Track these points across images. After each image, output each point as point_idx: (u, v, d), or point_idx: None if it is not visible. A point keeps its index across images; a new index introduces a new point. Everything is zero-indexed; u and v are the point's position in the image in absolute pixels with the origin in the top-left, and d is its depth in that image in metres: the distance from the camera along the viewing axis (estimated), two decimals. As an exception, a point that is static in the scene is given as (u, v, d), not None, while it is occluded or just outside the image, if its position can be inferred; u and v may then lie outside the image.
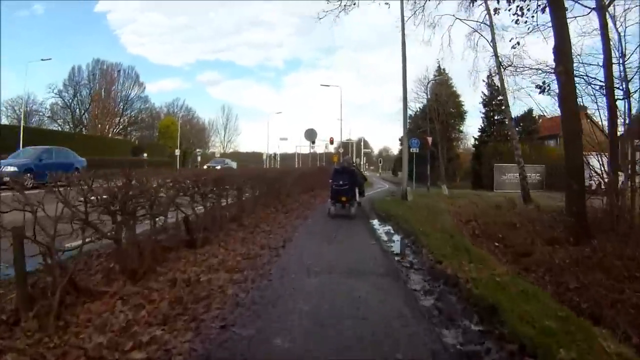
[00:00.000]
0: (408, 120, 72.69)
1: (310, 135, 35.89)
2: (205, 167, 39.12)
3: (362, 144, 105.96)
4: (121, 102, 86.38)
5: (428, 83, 58.79)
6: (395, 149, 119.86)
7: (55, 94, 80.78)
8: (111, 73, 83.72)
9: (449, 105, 61.31)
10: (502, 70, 28.12)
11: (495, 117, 53.66)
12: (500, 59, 27.94)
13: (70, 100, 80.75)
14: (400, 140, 78.54)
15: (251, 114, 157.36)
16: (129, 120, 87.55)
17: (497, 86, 51.56)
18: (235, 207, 15.10)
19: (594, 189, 15.51)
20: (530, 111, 50.86)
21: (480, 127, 55.77)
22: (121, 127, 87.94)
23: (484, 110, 55.34)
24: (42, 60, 61.74)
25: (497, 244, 14.75)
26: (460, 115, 63.99)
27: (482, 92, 55.00)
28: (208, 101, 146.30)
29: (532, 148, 48.77)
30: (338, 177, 17.62)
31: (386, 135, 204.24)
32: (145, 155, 65.86)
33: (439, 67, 61.18)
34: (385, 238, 13.83)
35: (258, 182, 18.61)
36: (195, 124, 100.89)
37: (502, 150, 47.52)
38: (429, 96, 60.28)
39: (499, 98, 50.87)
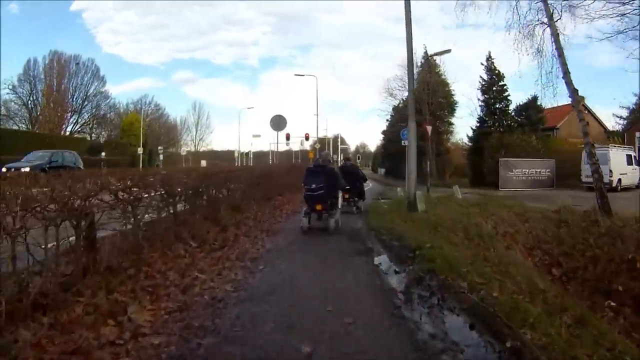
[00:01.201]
0: (390, 113, 64.41)
1: (278, 123, 27.84)
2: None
3: (338, 140, 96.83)
4: (78, 97, 77.60)
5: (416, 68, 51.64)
6: (372, 145, 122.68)
7: (10, 89, 72.23)
8: (67, 65, 76.57)
9: (438, 94, 54.76)
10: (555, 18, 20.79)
11: (497, 106, 46.12)
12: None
13: (28, 96, 73.51)
14: (383, 133, 72.45)
15: (227, 113, 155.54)
16: (91, 117, 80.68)
17: (498, 70, 45.19)
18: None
19: None
20: (534, 99, 44.79)
21: (479, 117, 48.18)
22: (80, 124, 79.39)
23: (482, 98, 47.55)
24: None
25: (612, 303, 9.03)
26: (451, 105, 57.10)
27: (480, 76, 47.67)
28: (184, 100, 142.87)
29: (539, 140, 43.02)
30: (311, 178, 13.11)
31: (362, 132, 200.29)
32: (103, 154, 60.82)
33: (425, 52, 54.75)
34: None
35: (183, 189, 10.97)
36: (164, 122, 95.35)
37: (508, 142, 41.04)
38: (415, 85, 52.14)
39: (500, 84, 45.85)
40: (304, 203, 13.94)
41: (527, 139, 41.50)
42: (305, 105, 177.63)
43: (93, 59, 80.00)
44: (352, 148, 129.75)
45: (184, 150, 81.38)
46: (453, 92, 56.57)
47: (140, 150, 64.96)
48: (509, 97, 46.05)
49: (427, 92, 52.46)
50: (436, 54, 41.50)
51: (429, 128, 32.33)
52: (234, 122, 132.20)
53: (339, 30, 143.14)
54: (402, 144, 28.43)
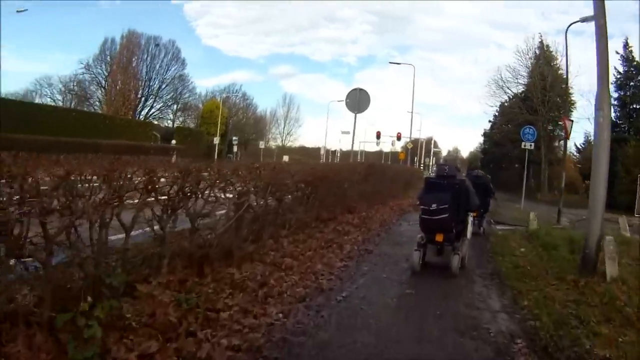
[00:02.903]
0: (495, 111, 58.21)
1: (357, 100, 19.08)
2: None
3: (432, 143, 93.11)
4: (156, 80, 73.71)
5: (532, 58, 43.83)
6: (466, 149, 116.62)
7: (85, 69, 68.98)
8: (144, 46, 72.37)
9: (555, 91, 45.62)
10: None
11: (634, 106, 37.78)
12: None
13: (105, 77, 70.25)
14: (485, 135, 63.21)
15: (321, 110, 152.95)
16: (169, 102, 77.31)
17: (637, 61, 36.14)
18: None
19: None
20: None
21: (612, 120, 37.54)
22: (157, 109, 75.84)
23: (615, 95, 38.75)
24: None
25: None
26: (568, 106, 46.91)
27: (615, 68, 38.82)
28: (281, 94, 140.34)
29: None
30: (431, 195, 9.12)
31: (456, 137, 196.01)
32: (173, 142, 56.13)
33: (541, 42, 48.10)
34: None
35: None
36: (252, 113, 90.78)
37: None
38: (526, 79, 48.76)
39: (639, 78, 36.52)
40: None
41: None
42: (399, 104, 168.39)
43: (174, 40, 76.02)
44: (444, 152, 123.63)
45: (262, 144, 73.82)
46: (572, 91, 46.31)
47: (216, 140, 60.85)
48: None
49: (542, 89, 44.80)
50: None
51: (569, 124, 23.19)
52: (328, 119, 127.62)
53: (438, 33, 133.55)
54: (522, 146, 25.90)
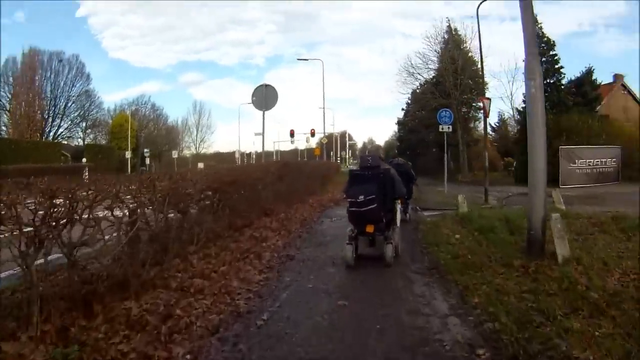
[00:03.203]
0: (407, 99, 56.87)
1: (264, 97, 17.93)
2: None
3: (346, 136, 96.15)
4: (61, 97, 69.13)
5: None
6: (381, 139, 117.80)
7: None
8: (47, 63, 68.12)
9: (467, 74, 45.62)
10: None
11: (547, 81, 36.25)
12: None
13: (9, 99, 65.60)
14: (399, 124, 63.22)
15: (233, 114, 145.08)
16: (76, 120, 72.60)
17: (547, 37, 36.82)
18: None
19: None
20: (589, 72, 37.29)
21: (524, 95, 37.27)
22: (65, 128, 71.31)
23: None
24: None
25: None
26: (479, 88, 45.62)
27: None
28: (191, 102, 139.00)
29: (601, 123, 33.86)
30: (357, 186, 8.96)
31: (369, 128, 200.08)
32: (84, 160, 53.38)
33: (449, 26, 47.30)
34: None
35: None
36: (163, 124, 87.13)
37: (567, 126, 31.91)
38: (436, 64, 47.91)
39: (551, 53, 36.88)
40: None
41: (587, 121, 32.60)
42: (311, 101, 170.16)
43: (77, 54, 71.85)
44: (360, 144, 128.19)
45: (175, 154, 72.05)
46: (482, 73, 45.69)
47: (128, 154, 59.40)
48: (562, 70, 37.30)
49: (454, 72, 44.11)
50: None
51: (487, 102, 22.51)
52: (240, 123, 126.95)
53: (344, 27, 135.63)
54: (440, 129, 25.26)
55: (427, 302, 6.47)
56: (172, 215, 8.20)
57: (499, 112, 53.79)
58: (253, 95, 18.26)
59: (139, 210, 6.87)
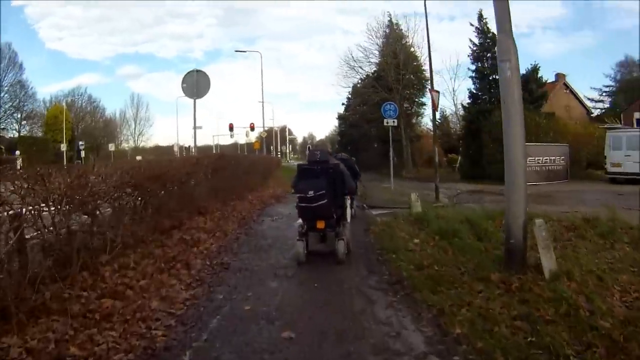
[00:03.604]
0: (348, 94, 54.51)
1: (194, 83, 16.04)
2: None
3: (286, 131, 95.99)
4: None
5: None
6: (321, 134, 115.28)
7: None
8: None
9: (408, 69, 44.40)
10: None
11: (493, 76, 35.59)
12: None
13: None
14: (340, 118, 62.64)
15: (172, 108, 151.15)
16: (10, 111, 69.01)
17: (493, 32, 35.29)
18: None
19: None
20: (535, 69, 36.34)
21: (471, 92, 38.13)
22: None
23: (474, 67, 37.63)
24: None
25: None
26: (422, 83, 46.43)
27: (471, 40, 37.61)
28: (129, 95, 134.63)
29: (548, 121, 33.28)
30: (306, 182, 8.71)
31: (309, 124, 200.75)
32: (17, 153, 51.59)
33: (390, 20, 45.87)
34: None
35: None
36: (100, 116, 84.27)
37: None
38: (378, 58, 46.43)
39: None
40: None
41: (535, 118, 31.64)
42: (250, 95, 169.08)
43: (10, 42, 68.59)
44: (300, 139, 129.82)
45: (112, 147, 70.58)
46: (424, 68, 45.55)
47: (64, 146, 57.33)
48: None
49: (396, 67, 42.84)
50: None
51: (436, 95, 21.08)
52: (181, 117, 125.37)
53: (283, 22, 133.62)
54: (385, 123, 23.80)
55: (395, 332, 5.07)
56: (76, 219, 6.69)
57: (441, 108, 51.90)
58: (183, 81, 16.29)
59: (26, 214, 5.35)
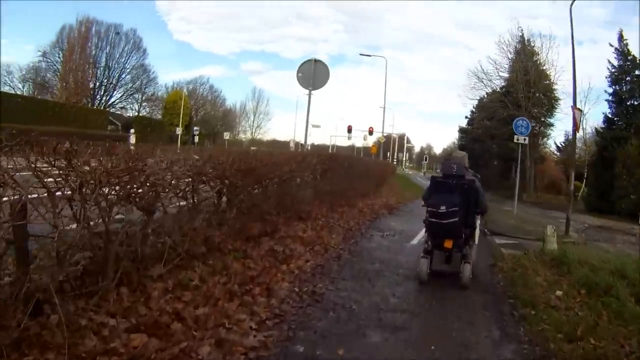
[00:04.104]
0: (473, 108, 54.75)
1: (311, 73, 14.63)
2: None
3: (405, 139, 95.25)
4: (115, 69, 69.68)
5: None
6: (438, 147, 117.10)
7: (41, 57, 64.45)
8: (104, 35, 68.53)
9: (538, 87, 42.48)
10: None
11: (631, 102, 33.61)
12: None
13: (62, 64, 65.63)
14: (461, 132, 61.14)
15: (292, 106, 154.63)
16: (130, 91, 72.99)
17: (634, 55, 34.11)
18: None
19: None
20: None
21: (606, 116, 35.60)
22: (117, 98, 71.73)
23: (611, 90, 35.00)
24: None
25: None
26: (551, 103, 44.38)
27: (609, 61, 35.03)
28: (250, 89, 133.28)
29: None
30: (439, 195, 8.09)
31: (427, 135, 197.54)
32: (132, 131, 50.60)
33: (522, 36, 44.30)
34: None
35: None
36: (220, 106, 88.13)
37: None
38: (507, 73, 45.03)
39: (637, 73, 33.08)
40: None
41: None
42: (371, 101, 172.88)
43: (135, 28, 72.57)
44: (417, 149, 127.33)
45: (226, 135, 71.69)
46: (555, 87, 43.55)
47: (179, 130, 58.26)
48: None
49: (526, 84, 41.04)
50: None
51: (579, 114, 18.87)
52: (297, 114, 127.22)
53: (407, 32, 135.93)
54: (515, 139, 21.83)
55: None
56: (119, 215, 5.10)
57: (566, 131, 49.51)
58: (299, 71, 14.91)
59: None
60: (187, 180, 6.31)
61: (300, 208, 11.08)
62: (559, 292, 7.50)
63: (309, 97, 14.95)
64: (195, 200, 6.65)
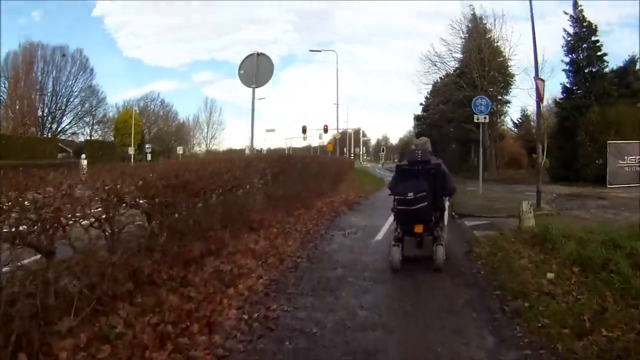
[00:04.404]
0: (427, 94, 51.56)
1: (255, 71, 13.29)
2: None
3: (360, 133, 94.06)
4: (63, 93, 66.95)
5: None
6: (395, 137, 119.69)
7: None
8: (50, 58, 65.90)
9: (493, 65, 41.57)
10: None
11: (590, 69, 32.76)
12: None
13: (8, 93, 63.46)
14: (417, 119, 60.69)
15: (246, 112, 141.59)
16: (81, 115, 70.61)
17: (589, 21, 33.39)
18: None
19: None
20: (633, 61, 33.03)
21: (564, 86, 34.47)
22: (66, 124, 69.15)
23: (567, 59, 34.02)
24: None
25: None
26: (506, 80, 43.57)
27: (565, 30, 34.16)
28: (203, 101, 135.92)
29: None
30: (406, 183, 8.15)
31: (383, 127, 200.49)
32: (83, 157, 49.27)
33: (473, 14, 43.17)
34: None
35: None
36: (173, 120, 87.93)
37: (617, 118, 27.94)
38: (460, 54, 43.92)
39: (593, 39, 32.52)
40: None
41: (637, 113, 28.05)
42: (324, 98, 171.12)
43: (81, 49, 69.82)
44: (374, 141, 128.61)
45: (180, 150, 69.50)
46: (510, 64, 42.91)
47: (131, 150, 57.66)
48: (605, 58, 32.84)
49: (480, 63, 40.30)
50: None
51: (542, 84, 18.07)
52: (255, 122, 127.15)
53: (358, 27, 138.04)
54: (475, 119, 21.44)
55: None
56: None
57: (522, 107, 51.51)
58: (241, 68, 13.66)
59: None
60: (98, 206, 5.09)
61: (251, 217, 10.11)
62: (550, 275, 6.65)
63: (253, 95, 13.71)
64: (112, 229, 5.39)
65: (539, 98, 16.99)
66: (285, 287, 6.58)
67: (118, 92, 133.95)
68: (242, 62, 13.80)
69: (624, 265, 6.23)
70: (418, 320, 5.40)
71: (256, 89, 13.33)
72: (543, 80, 17.66)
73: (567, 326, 4.82)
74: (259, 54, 13.57)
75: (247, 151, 61.64)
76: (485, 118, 21.18)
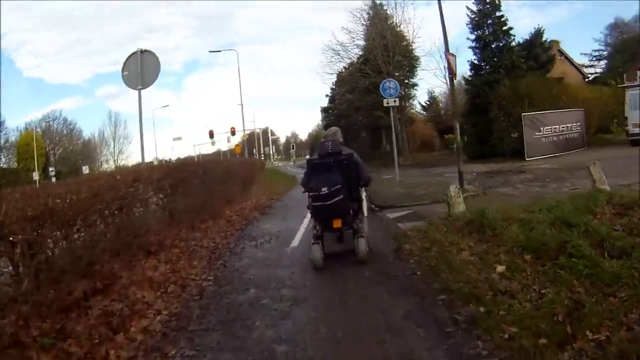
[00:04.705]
0: (332, 84, 50.78)
1: (140, 71, 11.68)
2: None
3: (269, 132, 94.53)
4: None
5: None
6: (304, 133, 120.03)
7: None
8: None
9: (397, 50, 41.53)
10: None
11: (497, 43, 33.18)
12: None
13: None
14: (324, 111, 61.33)
15: (155, 123, 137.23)
16: None
17: None
18: None
19: None
20: (539, 33, 35.38)
21: (472, 63, 34.69)
22: None
23: (473, 36, 34.24)
24: None
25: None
26: (411, 64, 43.73)
27: (468, 8, 34.37)
28: (107, 115, 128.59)
29: (559, 86, 30.63)
30: (319, 177, 8.01)
31: (291, 124, 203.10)
32: None
33: (373, 1, 43.28)
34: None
35: None
36: (78, 139, 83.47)
37: (528, 90, 28.13)
38: (363, 41, 43.84)
39: (498, 14, 32.80)
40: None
41: (545, 83, 29.38)
42: (231, 99, 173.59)
43: None
44: (283, 139, 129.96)
45: (85, 169, 67.19)
46: (413, 47, 43.37)
47: (36, 175, 54.88)
48: (511, 32, 33.42)
49: (384, 49, 40.28)
50: None
51: (453, 59, 17.53)
52: (159, 131, 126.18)
53: (259, 26, 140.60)
54: (385, 103, 20.93)
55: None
56: None
57: (428, 89, 52.08)
58: (124, 69, 12.07)
59: None
60: None
61: (148, 240, 8.74)
62: (500, 268, 5.74)
63: (139, 98, 12.12)
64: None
65: (452, 74, 16.54)
66: (188, 322, 5.51)
67: (20, 115, 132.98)
68: (125, 63, 12.24)
69: (585, 246, 5.28)
70: (353, 349, 4.39)
71: (142, 91, 11.98)
72: (454, 56, 17.18)
73: (541, 334, 3.97)
74: (142, 51, 12.05)
75: (155, 163, 60.77)
76: (395, 101, 20.84)
